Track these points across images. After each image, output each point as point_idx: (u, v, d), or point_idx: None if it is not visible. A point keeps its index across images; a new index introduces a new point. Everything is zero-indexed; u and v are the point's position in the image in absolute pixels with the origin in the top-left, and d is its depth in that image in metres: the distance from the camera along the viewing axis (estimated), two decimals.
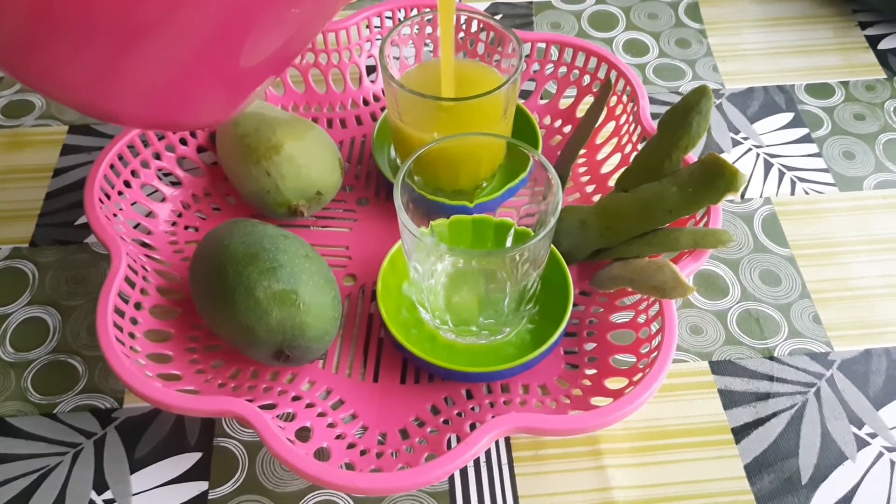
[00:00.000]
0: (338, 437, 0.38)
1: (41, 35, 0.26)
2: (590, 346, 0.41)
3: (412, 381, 0.40)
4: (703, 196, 0.38)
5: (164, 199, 0.46)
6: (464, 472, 0.38)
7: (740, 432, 0.39)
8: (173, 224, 0.46)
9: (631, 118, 0.46)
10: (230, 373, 0.40)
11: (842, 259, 0.46)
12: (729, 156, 0.51)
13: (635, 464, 0.38)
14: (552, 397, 0.39)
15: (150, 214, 0.46)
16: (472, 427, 0.38)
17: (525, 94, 0.52)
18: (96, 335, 0.37)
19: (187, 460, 0.39)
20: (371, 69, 0.54)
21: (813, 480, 0.38)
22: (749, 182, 0.50)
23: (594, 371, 0.40)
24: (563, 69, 0.50)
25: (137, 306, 0.40)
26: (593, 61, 0.48)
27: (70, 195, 0.49)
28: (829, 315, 0.44)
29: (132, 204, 0.45)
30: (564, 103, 0.50)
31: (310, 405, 0.39)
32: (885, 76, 0.56)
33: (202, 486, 0.38)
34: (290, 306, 0.37)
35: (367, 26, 0.52)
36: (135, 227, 0.44)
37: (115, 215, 0.43)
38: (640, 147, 0.45)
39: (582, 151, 0.48)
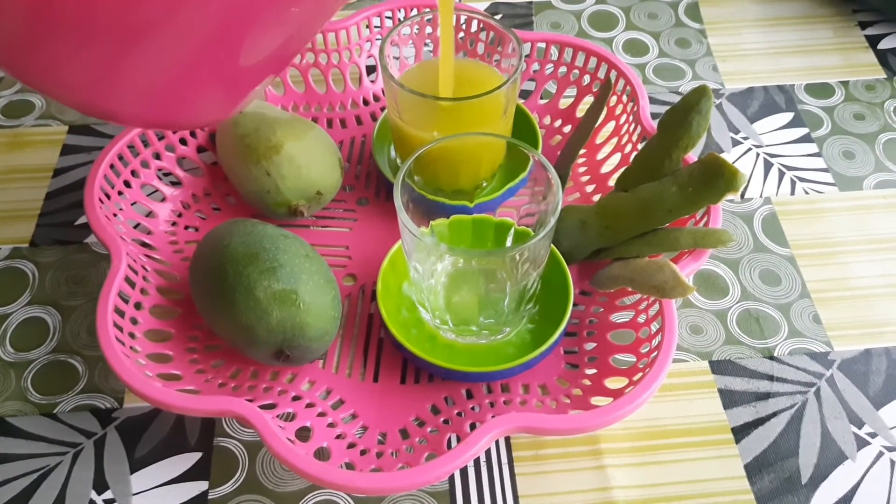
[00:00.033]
0: (338, 436, 0.38)
1: (41, 35, 0.26)
2: (590, 345, 0.41)
3: (412, 381, 0.40)
4: (702, 196, 0.38)
5: (164, 199, 0.46)
6: (464, 471, 0.38)
7: (740, 432, 0.39)
8: (173, 224, 0.46)
9: (631, 118, 0.46)
10: (230, 373, 0.40)
11: (842, 259, 0.46)
12: (729, 155, 0.51)
13: (635, 463, 0.38)
14: (552, 397, 0.39)
15: (150, 214, 0.46)
16: (473, 427, 0.38)
17: (525, 94, 0.52)
18: (96, 335, 0.37)
19: (187, 460, 0.39)
20: (371, 69, 0.54)
21: (813, 480, 0.38)
22: (749, 182, 0.50)
23: (594, 371, 0.40)
24: (562, 69, 0.50)
25: (137, 306, 0.40)
26: (593, 61, 0.48)
27: (70, 195, 0.49)
28: (829, 315, 0.44)
29: (132, 204, 0.45)
30: (564, 103, 0.50)
31: (310, 405, 0.39)
32: (885, 76, 0.56)
33: (202, 485, 0.38)
34: (291, 306, 0.37)
35: (367, 26, 0.52)
36: (135, 226, 0.44)
37: (115, 215, 0.43)
38: (639, 147, 0.45)
39: (582, 151, 0.48)
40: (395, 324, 0.40)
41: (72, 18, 0.26)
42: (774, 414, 0.40)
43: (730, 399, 0.40)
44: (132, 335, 0.39)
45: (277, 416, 0.37)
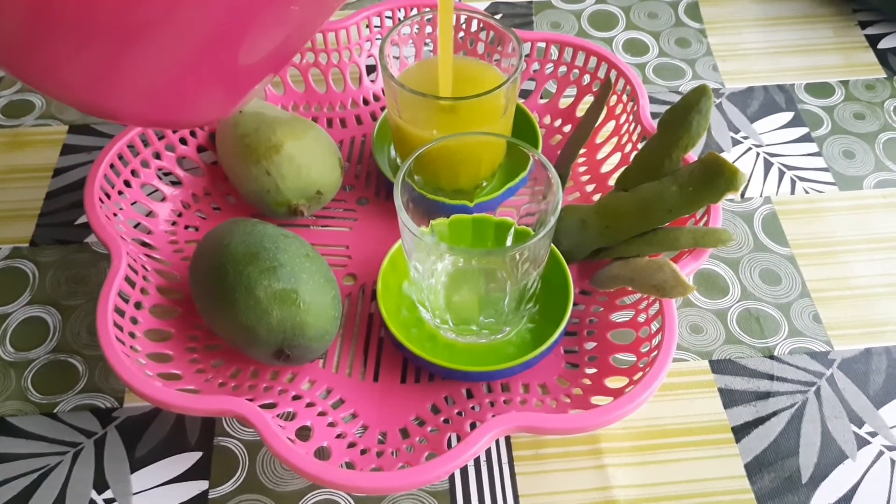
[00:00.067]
0: (338, 436, 0.38)
1: (41, 35, 0.26)
2: (590, 345, 0.41)
3: (412, 381, 0.40)
4: (703, 195, 0.38)
5: (164, 199, 0.46)
6: (464, 471, 0.38)
7: (740, 431, 0.39)
8: (173, 223, 0.46)
9: (631, 117, 0.46)
10: (230, 372, 0.40)
11: (842, 258, 0.46)
12: (729, 155, 0.51)
13: (635, 463, 0.38)
14: (552, 396, 0.39)
15: (150, 214, 0.46)
16: (473, 426, 0.38)
17: (525, 94, 0.52)
18: (96, 334, 0.37)
19: (188, 459, 0.39)
20: (371, 69, 0.54)
21: (813, 479, 0.38)
22: (749, 181, 0.50)
23: (594, 370, 0.40)
24: (562, 68, 0.50)
25: (137, 306, 0.40)
26: (593, 61, 0.48)
27: (70, 195, 0.49)
28: (830, 314, 0.44)
29: (132, 203, 0.45)
30: (564, 103, 0.50)
31: (310, 404, 0.39)
32: (885, 75, 0.56)
33: (202, 485, 0.38)
34: (291, 306, 0.37)
35: (367, 26, 0.52)
36: (135, 226, 0.44)
37: (115, 215, 0.43)
38: (640, 146, 0.45)
39: (582, 151, 0.48)
40: (395, 323, 0.40)
41: (72, 18, 0.26)
42: (775, 413, 0.40)
43: (730, 398, 0.40)
44: (132, 335, 0.39)
45: (277, 416, 0.37)
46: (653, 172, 0.40)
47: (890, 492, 0.37)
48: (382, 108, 0.52)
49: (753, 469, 0.38)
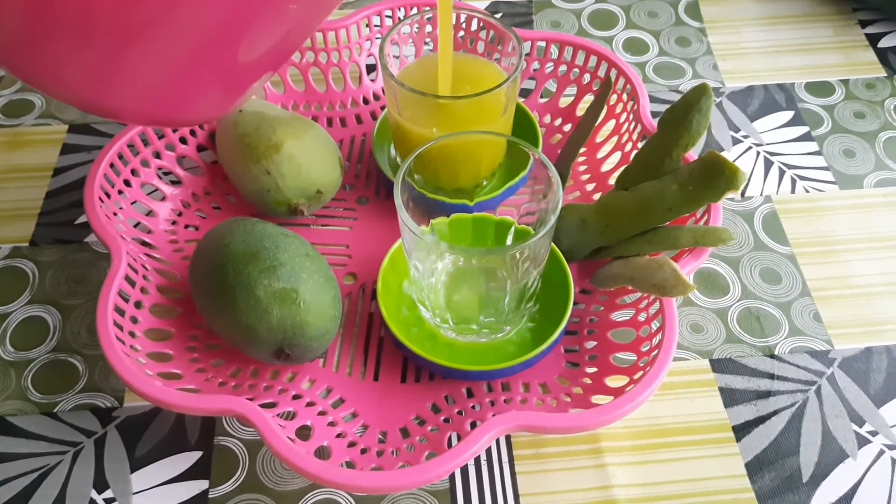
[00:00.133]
0: (338, 435, 0.38)
1: (42, 34, 0.26)
2: (590, 344, 0.41)
3: (412, 380, 0.40)
4: (703, 194, 0.38)
5: (164, 198, 0.46)
6: (464, 470, 0.38)
7: (741, 430, 0.39)
8: (173, 223, 0.46)
9: (631, 116, 0.46)
10: (230, 371, 0.40)
11: (842, 257, 0.46)
12: (729, 154, 0.51)
13: (636, 462, 0.38)
14: (553, 395, 0.39)
15: (150, 213, 0.46)
16: (473, 425, 0.38)
17: (525, 93, 0.52)
18: (96, 334, 0.37)
19: (188, 459, 0.39)
20: (371, 68, 0.54)
21: (814, 478, 0.38)
22: (749, 180, 0.50)
23: (595, 369, 0.40)
24: (563, 68, 0.50)
25: (137, 305, 0.40)
26: (593, 60, 0.48)
27: (70, 194, 0.49)
28: (830, 313, 0.44)
29: (132, 203, 0.45)
30: (564, 102, 0.50)
31: (310, 404, 0.39)
32: (885, 74, 0.56)
33: (203, 484, 0.38)
34: (291, 305, 0.37)
35: (367, 25, 0.52)
36: (135, 225, 0.44)
37: (115, 214, 0.43)
38: (640, 145, 0.45)
39: (582, 150, 0.48)
40: (395, 322, 0.40)
41: (72, 18, 0.26)
42: (775, 412, 0.40)
43: (730, 397, 0.40)
44: (132, 334, 0.39)
45: (278, 415, 0.37)
46: (653, 171, 0.40)
47: (891, 491, 0.37)
48: (382, 107, 0.52)
49: (754, 468, 0.38)
